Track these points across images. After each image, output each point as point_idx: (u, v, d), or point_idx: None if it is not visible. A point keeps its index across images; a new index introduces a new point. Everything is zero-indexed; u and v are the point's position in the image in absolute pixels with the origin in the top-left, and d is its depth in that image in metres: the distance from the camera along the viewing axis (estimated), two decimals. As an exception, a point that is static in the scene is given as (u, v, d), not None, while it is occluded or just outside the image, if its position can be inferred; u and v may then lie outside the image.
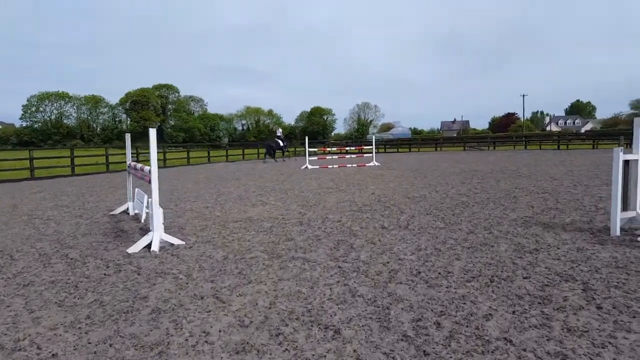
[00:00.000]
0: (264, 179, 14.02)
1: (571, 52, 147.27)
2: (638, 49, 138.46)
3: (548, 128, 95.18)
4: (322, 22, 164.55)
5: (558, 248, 4.38)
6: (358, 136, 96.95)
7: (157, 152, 5.82)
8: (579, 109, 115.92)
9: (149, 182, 5.14)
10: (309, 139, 22.22)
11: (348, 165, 18.92)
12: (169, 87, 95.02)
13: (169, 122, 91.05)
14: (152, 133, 4.95)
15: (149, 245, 4.85)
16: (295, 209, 7.59)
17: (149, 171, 5.15)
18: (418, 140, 48.17)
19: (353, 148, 35.66)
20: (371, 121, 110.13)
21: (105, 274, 3.98)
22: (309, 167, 18.55)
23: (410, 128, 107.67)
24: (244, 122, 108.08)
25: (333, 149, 29.67)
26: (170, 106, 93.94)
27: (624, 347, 2.35)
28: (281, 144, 26.20)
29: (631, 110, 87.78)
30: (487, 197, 8.20)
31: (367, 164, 19.39)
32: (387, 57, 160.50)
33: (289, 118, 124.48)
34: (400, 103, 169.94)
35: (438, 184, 10.74)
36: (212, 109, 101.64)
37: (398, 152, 38.59)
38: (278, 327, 2.76)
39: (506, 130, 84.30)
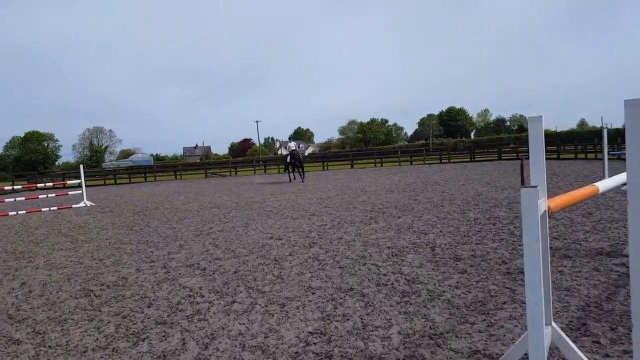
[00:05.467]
0: None
1: (292, 86, 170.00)
2: (340, 88, 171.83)
3: (279, 152, 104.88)
4: (47, 35, 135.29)
5: None
6: (91, 164, 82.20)
7: None
8: (301, 135, 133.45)
9: None
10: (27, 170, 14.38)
11: (44, 210, 12.69)
12: None
13: None
14: None
15: None
16: None
17: None
18: (154, 168, 42.54)
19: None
20: (106, 147, 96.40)
21: None
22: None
23: (152, 154, 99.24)
24: None
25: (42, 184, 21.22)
26: None
27: None
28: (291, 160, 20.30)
29: (340, 135, 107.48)
30: (234, 278, 4.85)
31: (73, 205, 13.59)
32: (126, 82, 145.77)
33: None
34: (141, 129, 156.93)
35: (160, 242, 6.81)
36: None
37: (130, 182, 32.24)
38: None
39: (244, 154, 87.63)
